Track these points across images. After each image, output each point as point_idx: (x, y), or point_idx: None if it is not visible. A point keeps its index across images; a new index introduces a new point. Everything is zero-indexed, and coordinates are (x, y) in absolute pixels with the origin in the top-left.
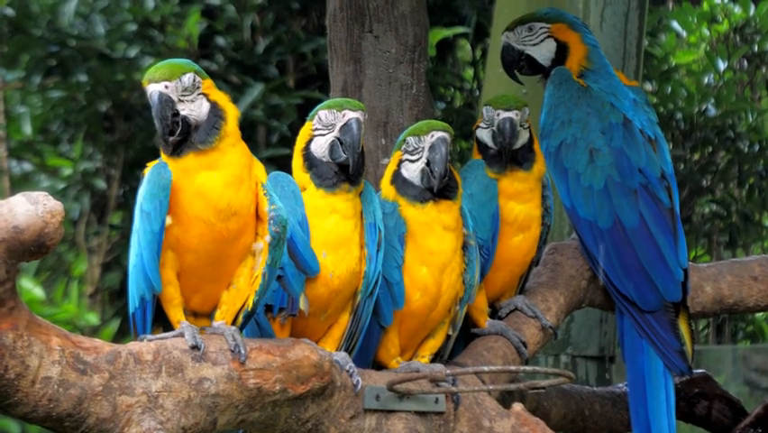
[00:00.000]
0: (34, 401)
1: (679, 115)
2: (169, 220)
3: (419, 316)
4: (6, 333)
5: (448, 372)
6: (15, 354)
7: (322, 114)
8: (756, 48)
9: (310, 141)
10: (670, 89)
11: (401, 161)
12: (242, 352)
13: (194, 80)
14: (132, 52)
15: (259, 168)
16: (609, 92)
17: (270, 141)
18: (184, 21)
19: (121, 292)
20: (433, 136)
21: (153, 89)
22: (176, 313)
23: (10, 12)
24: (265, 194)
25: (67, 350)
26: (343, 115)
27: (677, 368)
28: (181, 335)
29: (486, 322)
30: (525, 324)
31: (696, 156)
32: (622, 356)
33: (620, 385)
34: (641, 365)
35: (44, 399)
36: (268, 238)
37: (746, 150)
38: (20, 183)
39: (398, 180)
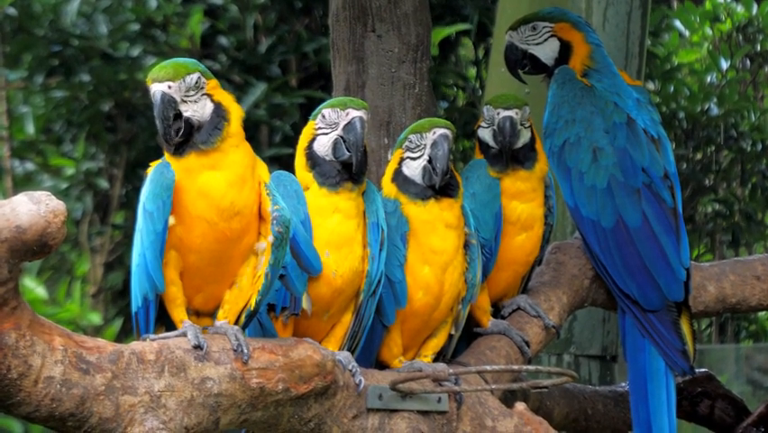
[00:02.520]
0: (37, 401)
1: (681, 115)
2: (172, 220)
3: (422, 315)
4: (9, 332)
5: (451, 371)
6: (18, 353)
7: (325, 112)
8: (759, 47)
9: (313, 139)
10: (672, 88)
11: (402, 159)
12: (245, 351)
13: (198, 81)
14: (135, 52)
15: (261, 167)
16: (613, 91)
17: (273, 140)
18: (186, 20)
19: (123, 292)
20: (435, 133)
21: (156, 89)
22: (179, 313)
23: (13, 11)
24: (268, 194)
25: (69, 350)
26: (347, 114)
27: (679, 368)
28: (184, 334)
29: (489, 321)
30: (527, 323)
31: (698, 155)
32: (624, 355)
33: (623, 384)
34: (642, 364)
35: (47, 398)
36: (270, 238)
37: (749, 149)
38: (22, 183)
39: (399, 178)
